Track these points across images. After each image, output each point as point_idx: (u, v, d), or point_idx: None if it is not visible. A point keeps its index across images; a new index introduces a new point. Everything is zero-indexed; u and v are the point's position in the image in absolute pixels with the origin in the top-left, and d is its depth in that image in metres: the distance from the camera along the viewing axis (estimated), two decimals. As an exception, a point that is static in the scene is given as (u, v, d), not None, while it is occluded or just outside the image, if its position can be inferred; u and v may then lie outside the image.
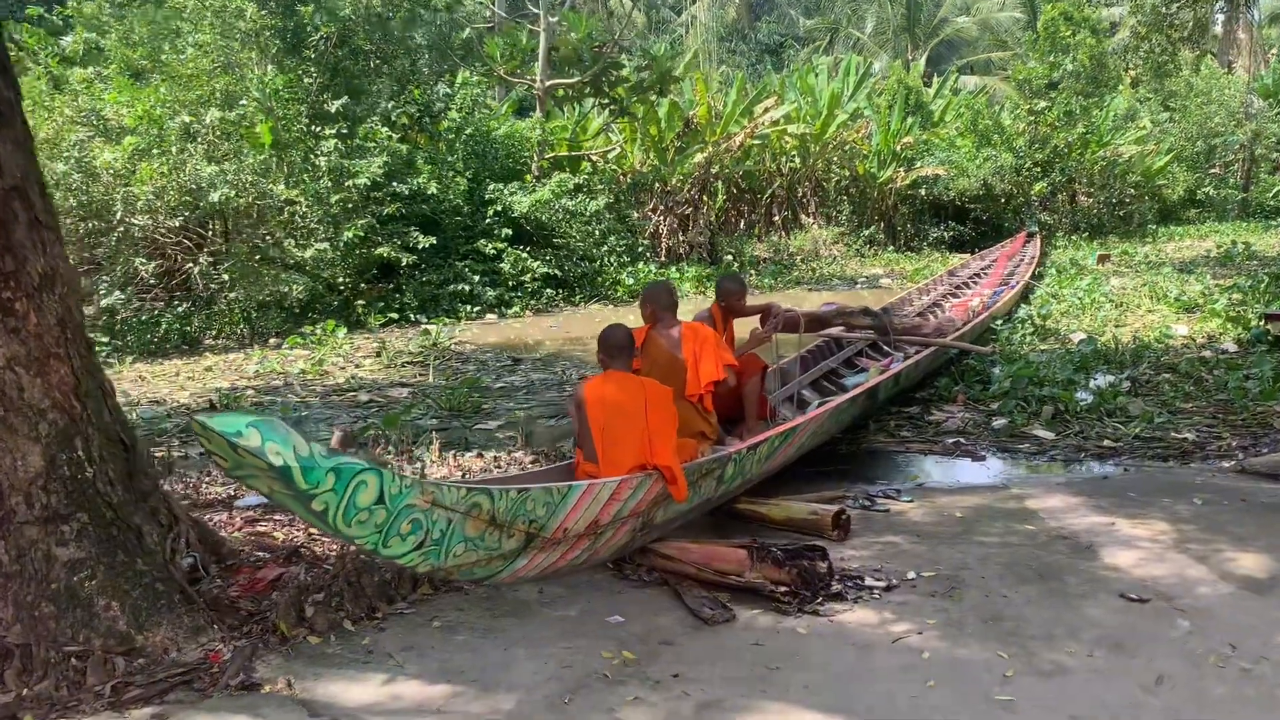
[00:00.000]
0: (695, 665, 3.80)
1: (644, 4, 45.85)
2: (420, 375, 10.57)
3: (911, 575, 4.72)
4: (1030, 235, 22.95)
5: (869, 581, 4.64)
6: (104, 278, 12.41)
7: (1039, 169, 24.71)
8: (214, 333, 13.60)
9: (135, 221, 12.38)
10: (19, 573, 3.57)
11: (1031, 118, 24.80)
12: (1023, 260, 18.83)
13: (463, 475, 6.13)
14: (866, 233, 24.60)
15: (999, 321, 11.53)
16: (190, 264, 13.66)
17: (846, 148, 24.70)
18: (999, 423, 7.72)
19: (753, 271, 20.18)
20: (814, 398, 8.14)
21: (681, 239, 22.25)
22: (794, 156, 24.76)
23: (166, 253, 13.52)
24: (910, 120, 26.35)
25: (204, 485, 6.09)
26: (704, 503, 5.04)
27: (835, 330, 9.54)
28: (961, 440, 7.36)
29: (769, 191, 24.91)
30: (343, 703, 3.46)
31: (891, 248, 24.62)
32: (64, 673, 3.44)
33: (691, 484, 4.74)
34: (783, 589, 4.46)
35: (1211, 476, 6.28)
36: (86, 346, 3.95)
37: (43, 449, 3.63)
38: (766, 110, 22.95)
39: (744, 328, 7.22)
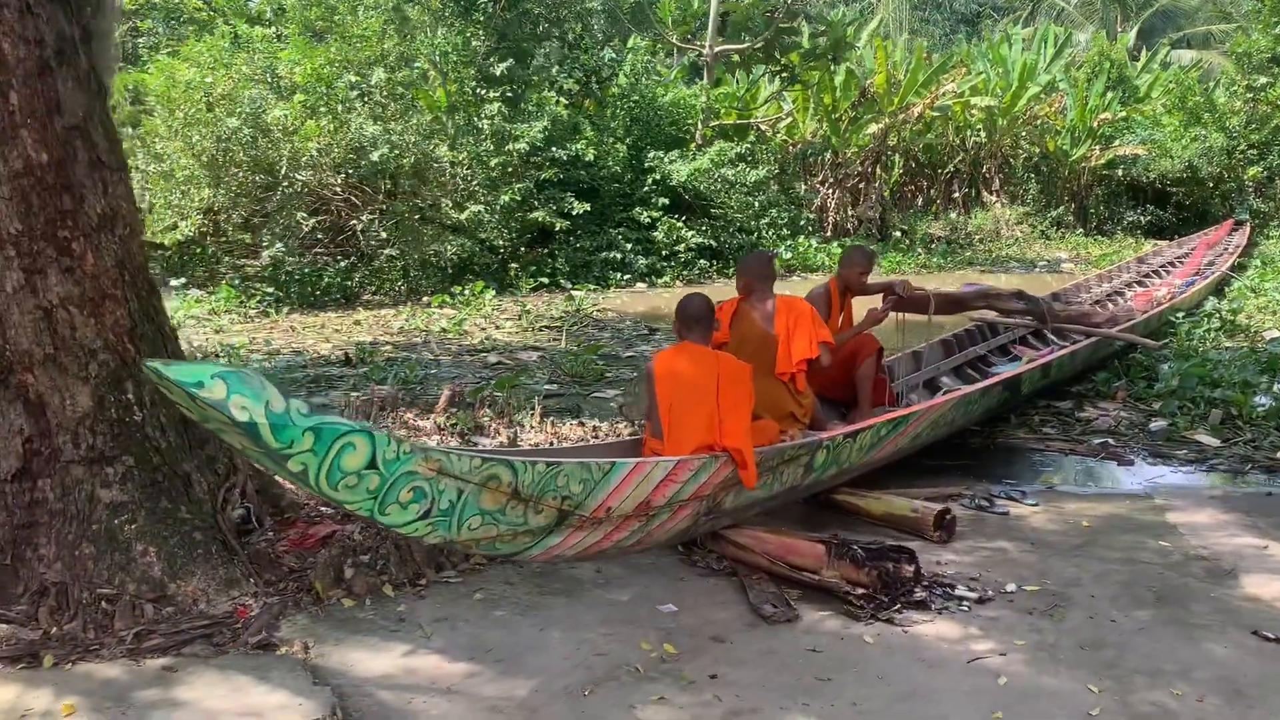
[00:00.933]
0: (738, 667, 3.47)
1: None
2: (554, 340, 10.50)
3: (1011, 588, 4.23)
4: (1239, 223, 21.05)
5: (960, 591, 4.18)
6: (266, 232, 12.87)
7: (1255, 151, 22.56)
8: (373, 289, 13.97)
9: (298, 177, 12.78)
10: (62, 511, 3.58)
11: (1250, 95, 22.63)
12: (1224, 250, 17.27)
13: (553, 443, 5.95)
14: (1054, 213, 23.12)
15: (1180, 315, 10.48)
16: (354, 220, 14.05)
17: (1038, 123, 23.22)
18: (1157, 425, 6.95)
19: (921, 251, 19.25)
20: (954, 385, 7.56)
21: (850, 213, 21.47)
22: (979, 130, 23.49)
23: (332, 208, 13.94)
24: (1110, 95, 24.53)
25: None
26: (788, 490, 4.66)
27: (989, 314, 8.90)
28: (1110, 441, 6.66)
29: (949, 166, 23.74)
30: (355, 672, 3.32)
31: (1080, 230, 23.05)
32: (93, 615, 3.44)
33: (770, 469, 4.39)
34: (859, 591, 4.07)
35: (1402, 502, 5.43)
36: (148, 289, 3.94)
37: (91, 389, 3.63)
38: (951, 81, 21.81)
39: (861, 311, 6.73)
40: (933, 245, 20.20)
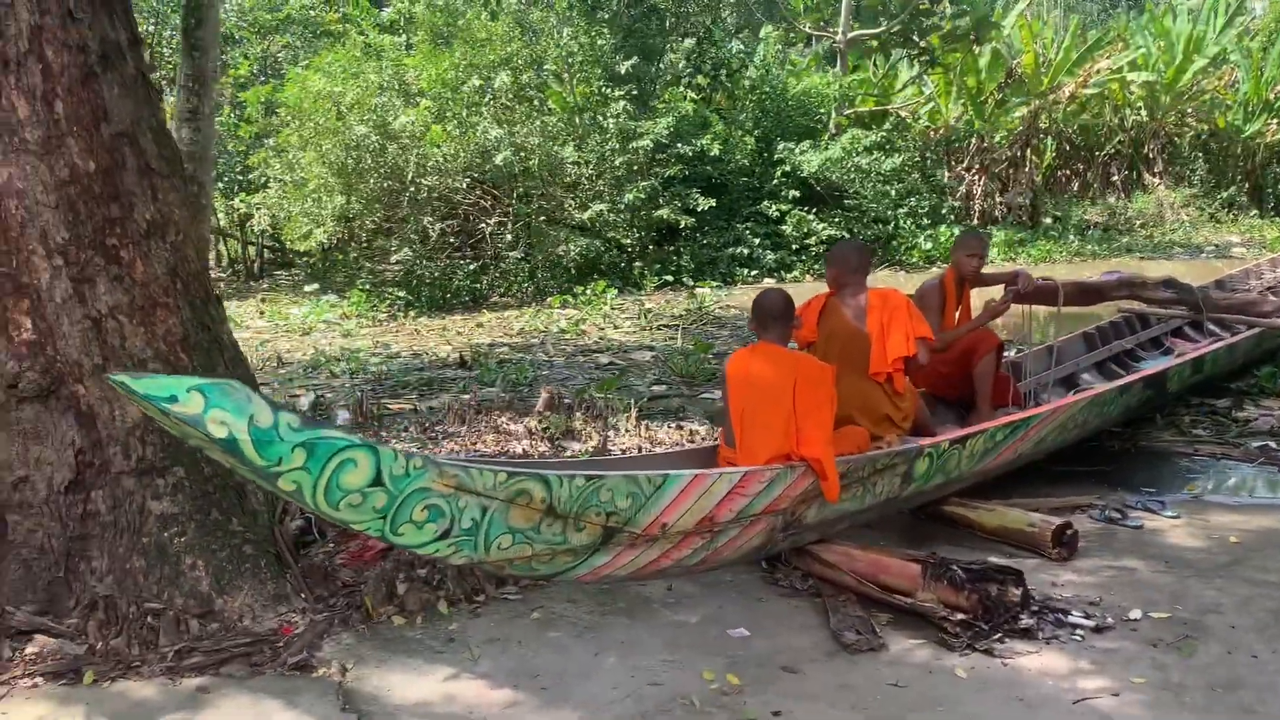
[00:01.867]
0: (808, 702, 3.13)
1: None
2: (671, 339, 10.24)
3: (1136, 614, 3.73)
4: None
5: (1075, 617, 3.70)
6: (396, 237, 13.06)
7: None
8: (501, 291, 14.03)
9: (425, 182, 12.92)
10: (113, 523, 3.53)
11: None
12: None
13: (643, 449, 5.68)
14: (1225, 194, 21.46)
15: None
16: (482, 224, 14.15)
17: (1205, 97, 21.57)
18: (1329, 425, 6.19)
19: (1074, 238, 18.13)
20: (1094, 383, 6.93)
21: (998, 200, 20.42)
22: (1140, 109, 21.99)
23: (460, 212, 14.07)
24: (1290, 64, 22.59)
25: (395, 441, 6.03)
26: (884, 503, 4.26)
27: (1137, 305, 8.16)
28: (1271, 445, 5.94)
29: (1107, 148, 22.32)
30: (388, 698, 3.13)
31: (1256, 212, 21.31)
32: (138, 630, 3.37)
33: (859, 480, 4.01)
34: (957, 617, 3.65)
35: None
36: (204, 297, 3.87)
37: (142, 399, 3.56)
38: (1106, 57, 20.48)
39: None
40: (1087, 232, 19.00)
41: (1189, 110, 21.80)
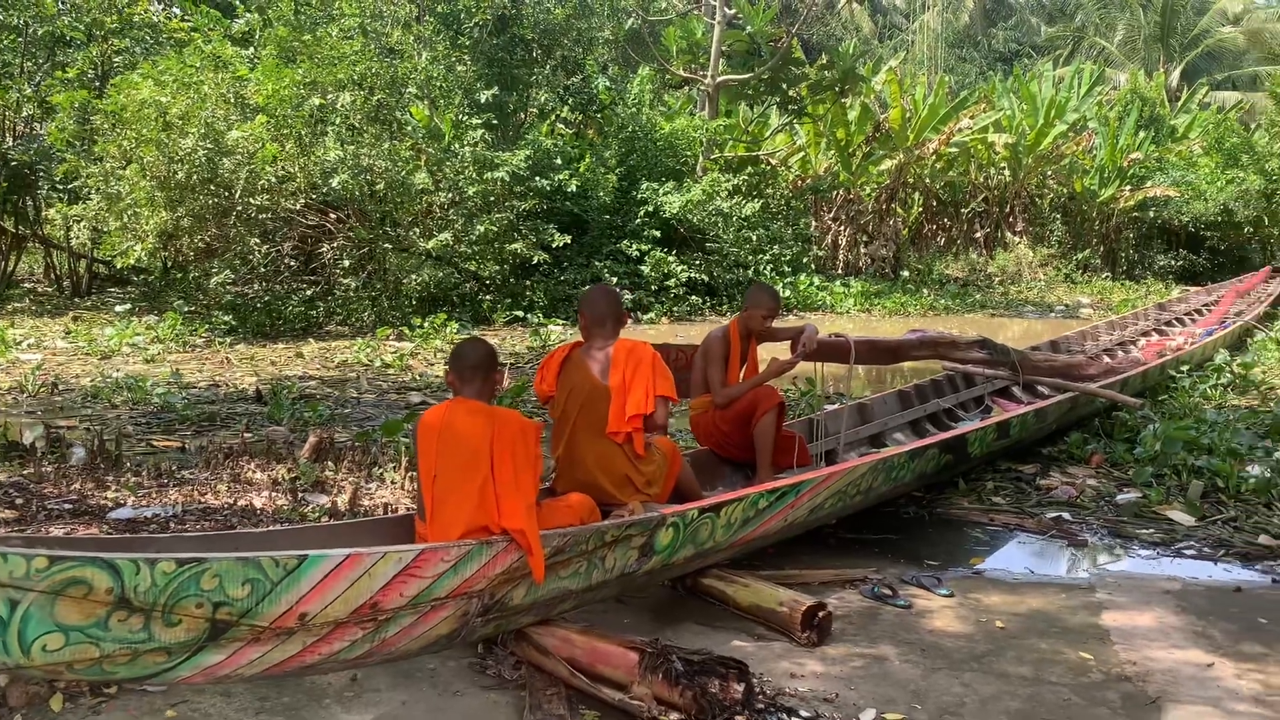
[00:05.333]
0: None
1: (870, 9, 43.99)
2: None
3: (868, 716, 3.36)
4: (1276, 270, 19.93)
5: (801, 718, 3.32)
6: (220, 259, 12.31)
7: (1295, 195, 21.41)
8: (339, 319, 13.36)
9: (255, 201, 12.21)
10: None
11: (1291, 136, 21.53)
12: (1257, 299, 16.16)
13: (406, 504, 5.16)
14: (1080, 256, 22.13)
15: (1185, 368, 9.48)
16: (323, 247, 13.48)
17: (1065, 161, 22.25)
18: (1126, 496, 6.03)
19: (928, 292, 18.31)
20: (908, 442, 6.67)
21: (863, 251, 20.61)
22: (1004, 168, 22.56)
23: (298, 235, 13.37)
24: (1143, 135, 23.51)
25: (116, 485, 5.38)
26: (622, 579, 3.83)
27: (969, 366, 8.00)
28: (1065, 516, 5.73)
29: (971, 205, 22.81)
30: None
31: (1108, 274, 22.02)
32: None
33: (583, 555, 3.57)
34: (672, 717, 3.23)
35: (1399, 607, 4.46)
36: None
37: None
38: (971, 117, 20.94)
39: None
40: (944, 286, 19.25)
41: (1049, 172, 22.46)
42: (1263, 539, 5.33)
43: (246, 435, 6.85)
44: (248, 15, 15.16)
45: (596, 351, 4.16)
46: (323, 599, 2.80)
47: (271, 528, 3.95)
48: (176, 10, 15.91)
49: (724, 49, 17.84)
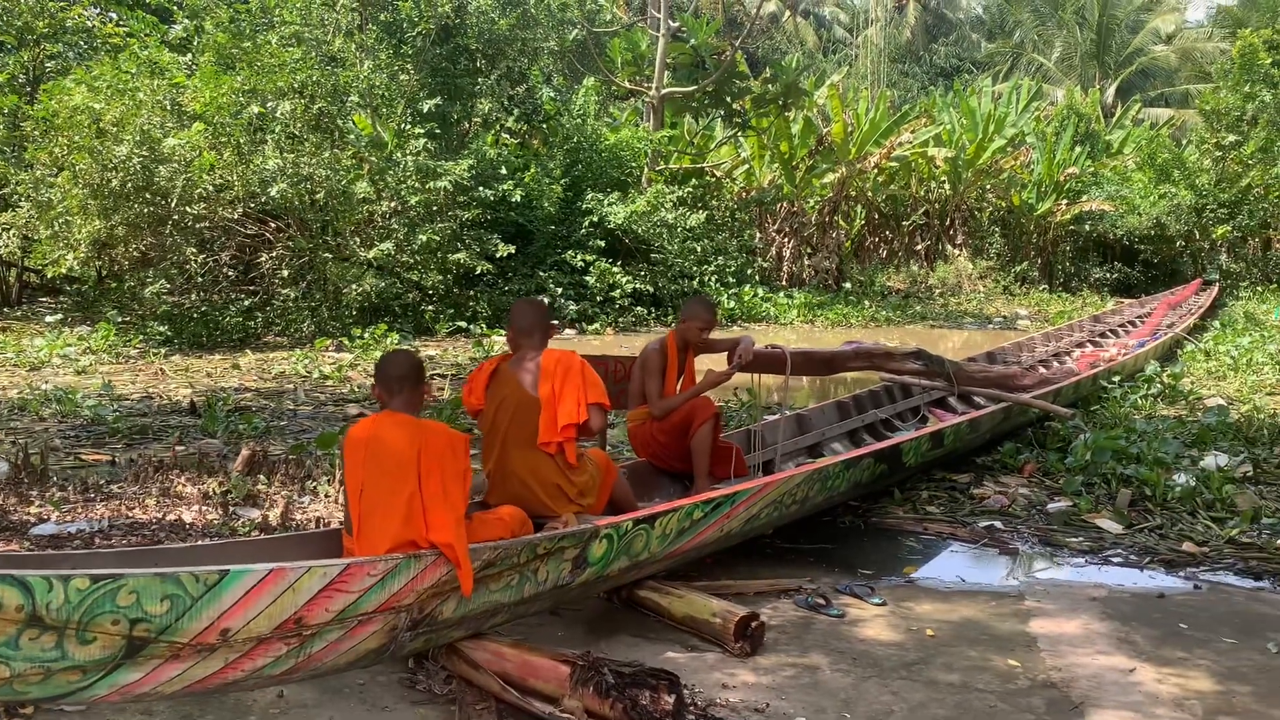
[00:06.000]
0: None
1: (814, 24, 44.52)
2: (440, 389, 9.68)
3: (797, 726, 3.38)
4: (1207, 283, 20.48)
5: (731, 730, 3.33)
6: (156, 268, 12.09)
7: (1225, 210, 21.99)
8: (278, 329, 13.18)
9: (191, 210, 12.02)
10: None
11: (1219, 153, 22.11)
12: (1187, 310, 16.59)
13: (339, 517, 5.10)
14: (1018, 268, 22.53)
15: (1116, 379, 9.69)
16: (262, 257, 13.30)
17: (1003, 175, 22.67)
18: (1056, 505, 6.13)
19: (867, 303, 18.53)
20: (846, 452, 6.73)
21: (806, 263, 20.81)
22: (944, 182, 22.92)
23: (236, 244, 13.18)
24: (1079, 150, 24.03)
25: (41, 500, 5.25)
26: (555, 591, 3.82)
27: (905, 377, 8.08)
28: (998, 525, 5.82)
29: (913, 218, 23.13)
30: None
31: (1045, 287, 22.44)
32: None
33: (515, 568, 3.55)
34: (601, 730, 3.23)
35: (1313, 610, 4.59)
36: None
37: None
38: (912, 131, 21.26)
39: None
40: (886, 298, 19.49)
41: (988, 186, 22.85)
42: (1186, 546, 5.46)
43: (179, 448, 6.73)
44: (185, 21, 14.91)
45: (526, 363, 4.15)
46: (245, 614, 2.76)
47: (196, 543, 3.87)
48: (112, 15, 15.60)
49: (668, 61, 17.92)
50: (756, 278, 18.27)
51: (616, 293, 15.54)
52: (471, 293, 14.84)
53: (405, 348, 3.19)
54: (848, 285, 20.08)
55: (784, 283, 20.04)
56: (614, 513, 4.40)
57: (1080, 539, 5.62)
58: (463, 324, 14.13)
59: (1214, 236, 22.11)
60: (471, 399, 4.19)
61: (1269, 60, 22.30)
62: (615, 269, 15.65)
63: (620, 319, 15.51)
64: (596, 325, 15.18)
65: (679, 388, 5.33)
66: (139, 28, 14.62)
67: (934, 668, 3.90)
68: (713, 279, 16.87)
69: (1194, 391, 9.87)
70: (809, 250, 20.81)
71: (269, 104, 12.72)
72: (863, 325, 16.81)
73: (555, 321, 4.41)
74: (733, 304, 16.58)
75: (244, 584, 2.74)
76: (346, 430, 3.55)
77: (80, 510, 5.05)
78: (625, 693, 3.29)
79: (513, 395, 4.07)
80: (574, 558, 3.82)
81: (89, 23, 14.98)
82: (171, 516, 5.01)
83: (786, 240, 20.71)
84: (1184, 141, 26.31)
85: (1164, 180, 22.57)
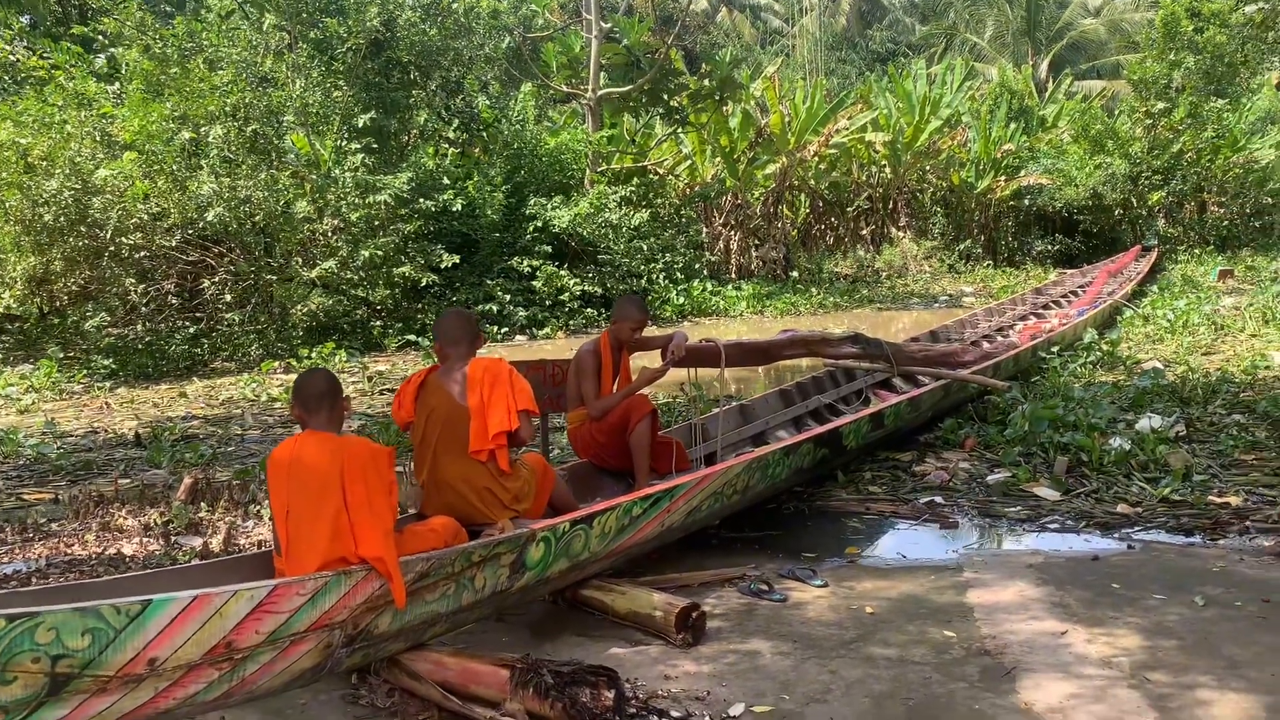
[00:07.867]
0: None
1: (749, 17, 44.76)
2: (389, 406, 9.65)
3: (738, 710, 3.44)
4: (1146, 249, 20.87)
5: (673, 718, 3.39)
6: (96, 302, 11.95)
7: (1159, 177, 22.42)
8: (225, 355, 13.06)
9: (127, 240, 11.89)
10: None
11: (1149, 121, 22.54)
12: (1127, 278, 16.89)
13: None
14: (962, 246, 22.83)
15: (1055, 349, 9.87)
16: (204, 283, 13.18)
17: (941, 156, 22.95)
18: (995, 477, 6.27)
19: (816, 290, 18.70)
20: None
21: (754, 254, 20.95)
22: (884, 166, 23.16)
23: (176, 272, 13.06)
24: (1014, 126, 24.39)
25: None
26: (495, 597, 3.85)
27: (845, 361, 8.18)
28: (938, 500, 5.94)
29: (856, 204, 23.36)
30: None
31: (989, 263, 22.75)
32: None
33: (450, 578, 3.58)
34: (543, 731, 3.27)
35: (1239, 560, 4.73)
36: None
37: None
38: (849, 118, 21.46)
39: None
40: (832, 284, 19.67)
41: (928, 167, 23.12)
42: (1121, 508, 5.61)
43: (122, 481, 6.68)
44: (110, 50, 14.73)
45: (454, 373, 4.17)
46: (172, 642, 2.77)
47: (119, 575, 3.86)
48: (32, 50, 15.37)
49: (603, 62, 17.96)
50: (705, 272, 18.37)
51: (565, 296, 15.56)
52: (419, 305, 14.80)
53: (321, 366, 3.18)
54: (795, 274, 20.23)
55: (733, 275, 20.16)
56: (554, 515, 4.45)
57: (1019, 508, 5.75)
58: (412, 337, 14.08)
59: (1150, 203, 22.53)
60: (401, 412, 4.22)
61: (1190, 27, 22.78)
62: (562, 273, 15.67)
63: (571, 322, 15.53)
64: (547, 329, 15.20)
65: (615, 387, 5.39)
66: (64, 59, 14.41)
67: (872, 644, 3.98)
68: (661, 276, 16.94)
69: (1131, 356, 10.08)
70: (756, 242, 20.94)
71: (201, 129, 12.60)
72: (811, 312, 16.96)
73: (481, 334, 4.44)
74: (682, 300, 16.67)
75: (168, 612, 2.75)
76: (269, 454, 3.57)
77: (17, 550, 5.01)
78: (565, 692, 3.34)
79: (442, 406, 4.10)
80: (511, 563, 3.86)
81: (12, 57, 14.74)
82: (111, 550, 4.98)
83: (733, 233, 20.84)
84: (1116, 112, 26.77)
85: (1098, 151, 22.96)
